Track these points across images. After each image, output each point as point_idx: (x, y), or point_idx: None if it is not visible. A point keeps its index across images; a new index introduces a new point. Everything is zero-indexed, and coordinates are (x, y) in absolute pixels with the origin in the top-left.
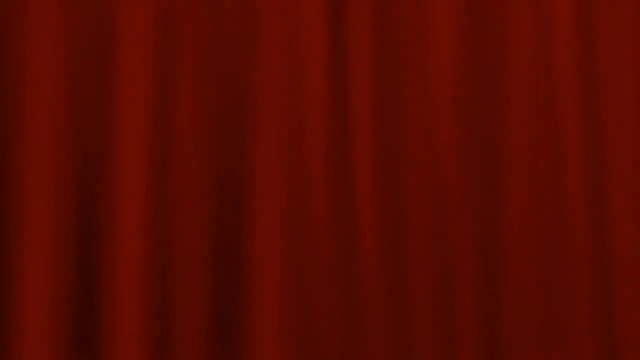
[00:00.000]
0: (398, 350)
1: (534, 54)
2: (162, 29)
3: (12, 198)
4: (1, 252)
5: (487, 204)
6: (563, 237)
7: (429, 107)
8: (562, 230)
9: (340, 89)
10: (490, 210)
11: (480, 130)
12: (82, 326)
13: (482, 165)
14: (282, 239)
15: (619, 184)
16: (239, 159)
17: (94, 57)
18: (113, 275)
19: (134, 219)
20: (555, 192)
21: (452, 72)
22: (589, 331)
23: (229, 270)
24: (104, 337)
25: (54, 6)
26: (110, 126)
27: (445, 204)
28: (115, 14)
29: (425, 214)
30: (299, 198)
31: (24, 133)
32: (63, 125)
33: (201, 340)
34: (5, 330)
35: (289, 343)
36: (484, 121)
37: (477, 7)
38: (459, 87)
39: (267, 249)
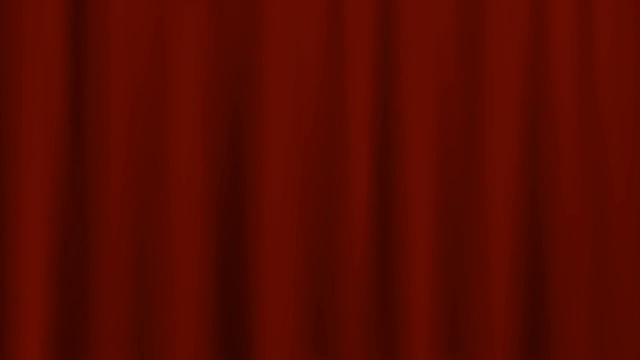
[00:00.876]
0: (394, 348)
1: (530, 51)
2: (162, 24)
3: (6, 198)
4: None
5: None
6: (561, 237)
7: (427, 102)
8: (561, 229)
9: (341, 84)
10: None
11: (468, 130)
12: (77, 325)
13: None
14: (290, 236)
15: (618, 186)
16: (242, 158)
17: (92, 56)
18: (103, 276)
19: (118, 216)
20: (552, 195)
21: (447, 74)
22: (586, 332)
23: (233, 269)
24: (93, 337)
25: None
26: (99, 124)
27: (446, 205)
28: (113, 12)
29: (424, 211)
30: (303, 195)
31: (18, 133)
32: (59, 124)
33: (204, 341)
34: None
35: (297, 338)
36: (476, 121)
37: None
38: (452, 88)
39: (273, 249)
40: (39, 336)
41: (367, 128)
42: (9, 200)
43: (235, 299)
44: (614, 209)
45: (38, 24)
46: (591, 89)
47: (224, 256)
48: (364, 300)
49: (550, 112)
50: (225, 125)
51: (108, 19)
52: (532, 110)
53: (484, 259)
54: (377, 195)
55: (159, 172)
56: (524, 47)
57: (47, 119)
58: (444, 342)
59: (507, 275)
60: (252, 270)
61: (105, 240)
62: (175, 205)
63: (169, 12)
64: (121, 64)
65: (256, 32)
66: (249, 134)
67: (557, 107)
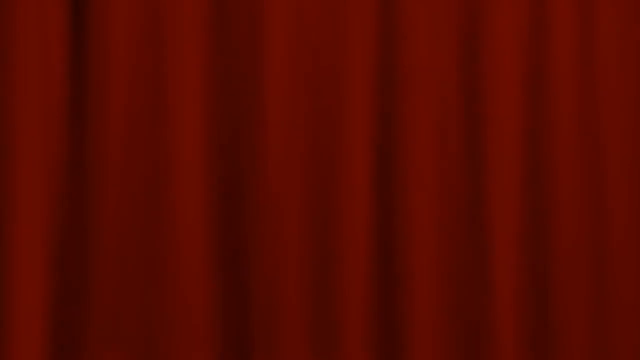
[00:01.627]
0: (396, 350)
1: (531, 52)
2: (163, 23)
3: (5, 198)
4: None
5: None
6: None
7: (428, 104)
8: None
9: (342, 86)
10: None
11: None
12: (77, 325)
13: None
14: (291, 236)
15: (618, 188)
16: (244, 159)
17: (92, 56)
18: (103, 275)
19: (119, 215)
20: (550, 197)
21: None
22: (587, 334)
23: (235, 269)
24: (93, 337)
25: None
26: (89, 124)
27: (448, 205)
28: (113, 11)
29: (426, 210)
30: (305, 195)
31: (18, 132)
32: (59, 122)
33: (205, 341)
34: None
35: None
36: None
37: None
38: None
39: (275, 250)
40: (37, 336)
41: (368, 130)
42: (7, 200)
43: (237, 299)
44: (614, 209)
45: (38, 22)
46: (592, 88)
47: (225, 257)
48: (366, 301)
49: (552, 113)
50: (227, 126)
51: (108, 18)
52: (533, 112)
53: (486, 259)
54: (380, 196)
55: (160, 172)
56: (525, 48)
57: (46, 116)
58: (447, 344)
59: (509, 276)
60: (253, 270)
61: (105, 240)
62: (176, 206)
63: (170, 12)
64: (122, 64)
65: (258, 31)
66: (251, 135)
67: (558, 108)
